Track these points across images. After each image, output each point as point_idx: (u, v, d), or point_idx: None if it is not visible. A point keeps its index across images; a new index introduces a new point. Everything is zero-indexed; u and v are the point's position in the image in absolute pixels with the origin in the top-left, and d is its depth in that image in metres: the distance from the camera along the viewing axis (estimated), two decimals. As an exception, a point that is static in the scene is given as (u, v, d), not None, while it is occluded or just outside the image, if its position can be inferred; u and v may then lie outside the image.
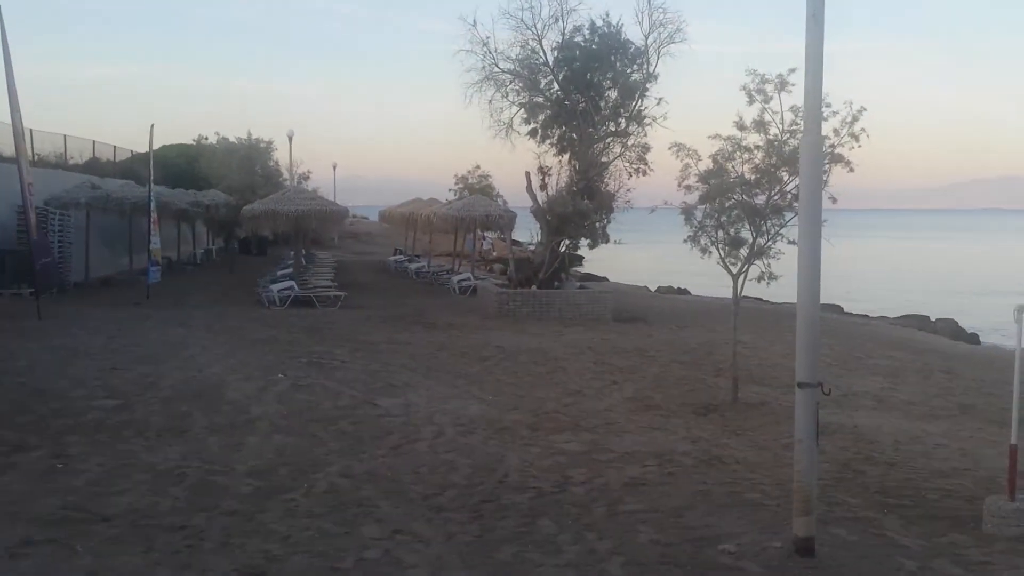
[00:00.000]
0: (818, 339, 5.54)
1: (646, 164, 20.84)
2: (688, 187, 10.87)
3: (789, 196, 10.36)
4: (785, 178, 10.42)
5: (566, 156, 21.26)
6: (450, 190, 34.69)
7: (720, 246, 10.76)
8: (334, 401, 10.42)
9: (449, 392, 11.22)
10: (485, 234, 39.07)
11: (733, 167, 10.67)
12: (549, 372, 12.90)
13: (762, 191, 10.61)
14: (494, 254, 42.61)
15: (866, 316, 26.61)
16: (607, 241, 20.49)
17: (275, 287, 20.91)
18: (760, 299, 26.29)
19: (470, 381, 12.07)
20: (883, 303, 32.16)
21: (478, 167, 34.86)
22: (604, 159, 21.06)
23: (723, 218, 10.72)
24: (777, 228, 10.61)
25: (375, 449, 8.43)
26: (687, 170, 10.84)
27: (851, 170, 10.03)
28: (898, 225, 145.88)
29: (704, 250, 10.83)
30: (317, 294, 21.03)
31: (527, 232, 23.53)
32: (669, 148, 10.91)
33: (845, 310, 27.85)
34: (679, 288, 33.60)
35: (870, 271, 50.21)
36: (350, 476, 7.59)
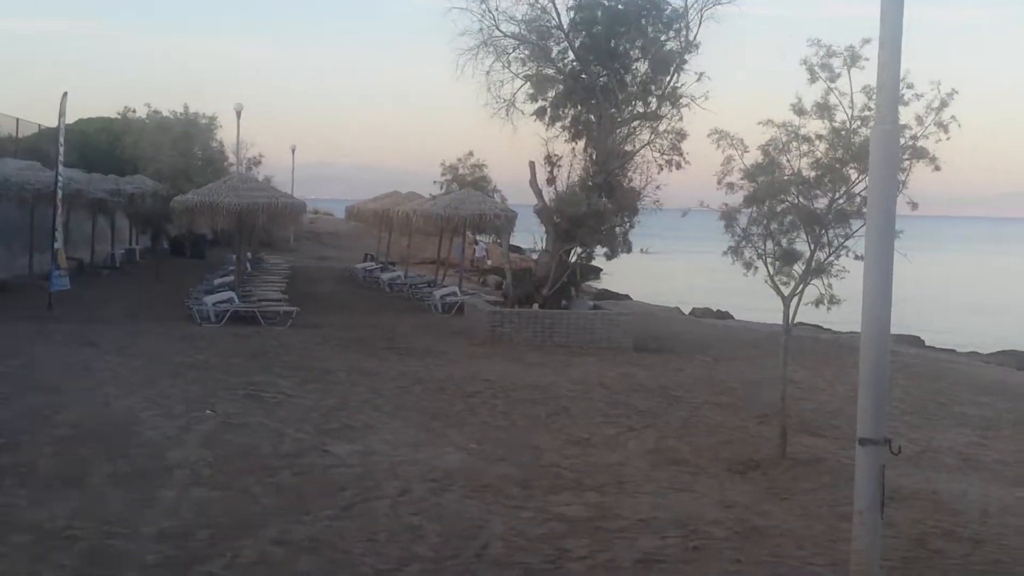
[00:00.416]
0: (887, 381, 5.55)
1: (681, 155, 20.94)
2: (731, 185, 10.81)
3: (858, 200, 10.40)
4: (853, 177, 10.43)
5: (581, 143, 21.41)
6: (435, 182, 34.78)
7: (769, 260, 10.78)
8: (275, 446, 10.47)
9: (421, 437, 11.23)
10: (477, 238, 39.66)
11: (788, 161, 10.68)
12: (550, 414, 12.83)
13: (823, 192, 10.61)
14: (488, 263, 42.87)
15: (952, 351, 26.78)
16: (629, 250, 20.59)
17: (210, 299, 21.06)
18: (818, 326, 26.54)
19: (449, 423, 12.04)
20: (971, 335, 32.42)
21: (471, 154, 34.74)
22: (629, 147, 21.18)
23: (773, 225, 10.74)
24: (841, 239, 10.62)
25: (322, 509, 8.43)
26: (730, 164, 10.80)
27: (937, 168, 9.99)
28: (958, 236, 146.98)
29: (748, 265, 10.85)
30: (263, 309, 21.22)
31: (529, 236, 23.57)
32: (709, 136, 10.86)
33: (927, 343, 28.11)
34: (719, 311, 33.86)
35: (951, 293, 50.60)
36: (287, 543, 7.58)
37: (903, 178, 9.62)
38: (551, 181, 21.16)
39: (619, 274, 48.28)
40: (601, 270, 47.99)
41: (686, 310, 34.19)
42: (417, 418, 12.12)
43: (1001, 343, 29.70)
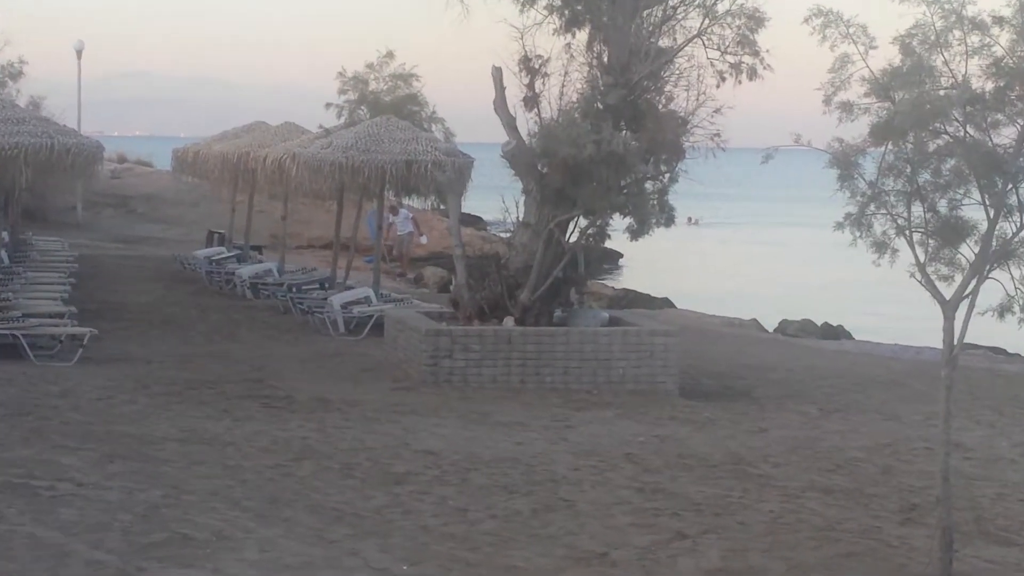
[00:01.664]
0: None
1: (757, 54, 20.25)
2: (847, 107, 10.44)
3: None
4: None
5: (583, 33, 20.70)
6: (330, 105, 33.70)
7: (918, 237, 10.56)
8: None
9: (314, 555, 10.75)
10: (403, 205, 38.66)
11: (947, 64, 10.27)
12: (539, 511, 12.37)
13: (1009, 119, 10.22)
14: (421, 241, 42.40)
15: None
16: (671, 221, 20.16)
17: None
18: (1002, 351, 27.35)
19: (362, 530, 11.56)
20: None
21: (390, 57, 33.74)
22: (666, 42, 20.55)
23: (924, 176, 10.47)
24: None
25: None
26: (845, 70, 10.43)
27: None
28: None
29: (880, 246, 10.62)
30: (30, 332, 20.58)
31: (496, 200, 22.47)
32: (806, 20, 10.46)
33: None
34: (826, 326, 33.83)
35: None
36: None
37: None
38: (532, 101, 20.50)
39: (654, 263, 49.01)
40: (622, 256, 48.11)
41: (769, 325, 33.77)
42: (307, 521, 11.70)
43: None
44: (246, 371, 19.74)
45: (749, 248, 65.04)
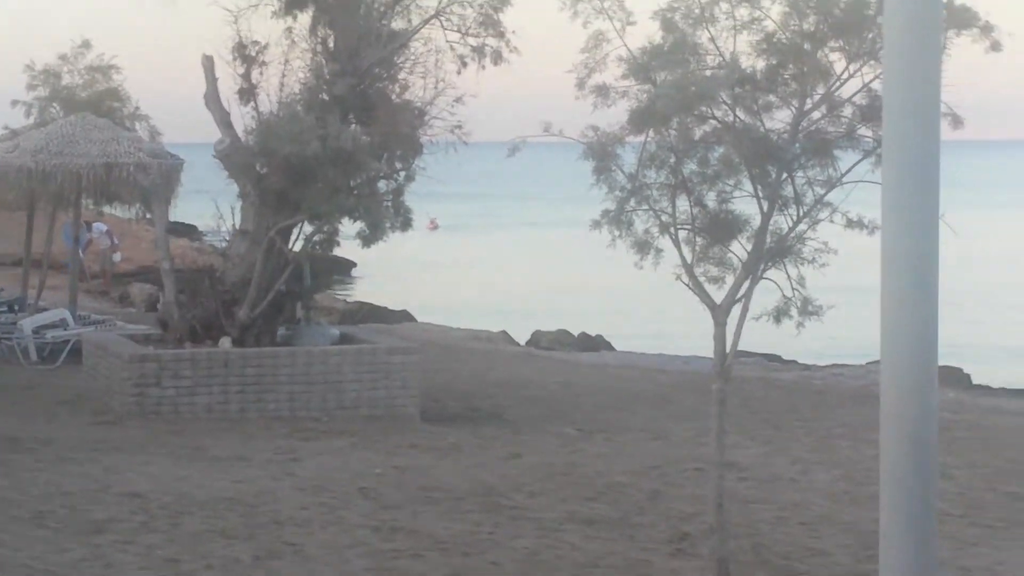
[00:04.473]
0: (935, 469, 5.60)
1: (502, 36, 20.22)
2: (602, 91, 10.72)
3: (848, 115, 10.62)
4: (840, 67, 10.56)
5: (306, 15, 20.30)
6: (16, 103, 32.45)
7: (684, 234, 10.98)
8: None
9: None
10: (101, 218, 38.62)
11: (713, 40, 10.72)
12: (262, 557, 12.23)
13: (782, 100, 10.64)
14: (114, 259, 42.11)
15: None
16: (407, 225, 19.94)
17: None
18: (776, 358, 27.43)
19: None
20: None
21: (87, 45, 32.60)
22: (400, 24, 20.29)
23: (689, 167, 10.89)
24: (820, 191, 10.73)
25: None
26: (600, 49, 10.74)
27: (994, 47, 10.24)
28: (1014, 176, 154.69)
29: (642, 245, 10.85)
30: None
31: (210, 206, 22.09)
32: None
33: (974, 381, 28.66)
34: (587, 337, 33.72)
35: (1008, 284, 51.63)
36: None
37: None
38: (249, 94, 20.08)
39: (391, 273, 49.58)
40: (355, 265, 47.89)
41: (520, 337, 32.90)
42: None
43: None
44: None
45: (498, 253, 65.91)
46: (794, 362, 27.66)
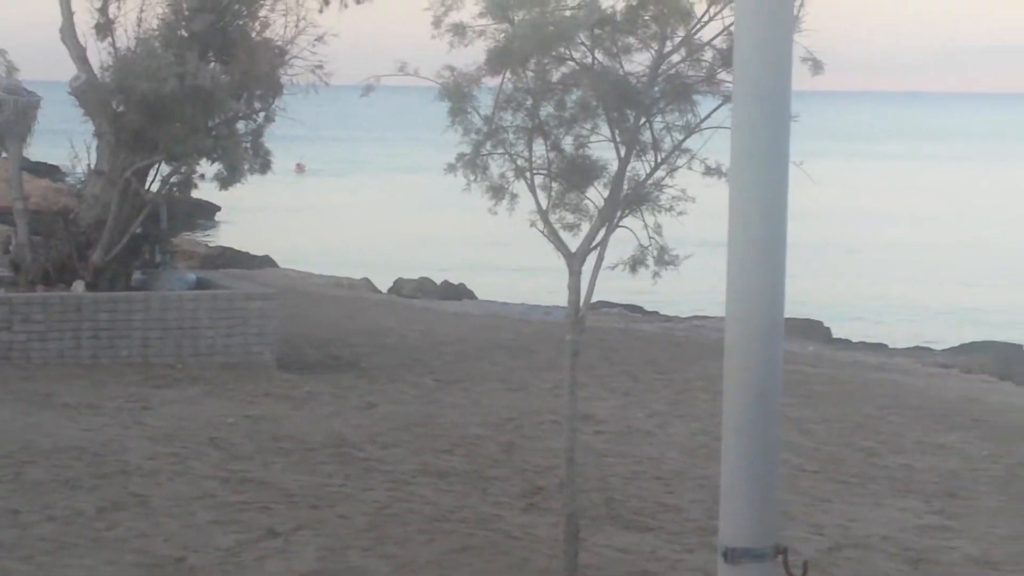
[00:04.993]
0: (777, 420, 5.48)
1: None
2: (459, 30, 10.53)
3: (708, 59, 10.54)
4: (700, 12, 10.37)
5: None
6: None
7: (540, 179, 10.82)
8: None
9: None
10: None
11: None
12: (106, 509, 12.13)
13: (642, 43, 10.55)
14: None
15: (885, 347, 27.64)
16: (266, 168, 20.01)
17: None
18: (636, 308, 27.97)
19: None
20: (915, 315, 34.21)
21: None
22: None
23: (547, 110, 10.78)
24: (679, 137, 10.65)
25: None
26: None
27: None
28: (883, 126, 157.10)
29: (497, 190, 10.78)
30: None
31: (65, 145, 22.09)
32: None
33: (835, 335, 28.58)
34: (449, 285, 33.68)
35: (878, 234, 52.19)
36: None
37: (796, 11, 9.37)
38: (106, 29, 19.78)
39: (254, 218, 48.84)
40: (219, 209, 47.40)
41: (383, 285, 33.39)
42: None
43: (971, 328, 31.40)
44: None
45: (360, 197, 65.98)
46: (656, 313, 28.30)
